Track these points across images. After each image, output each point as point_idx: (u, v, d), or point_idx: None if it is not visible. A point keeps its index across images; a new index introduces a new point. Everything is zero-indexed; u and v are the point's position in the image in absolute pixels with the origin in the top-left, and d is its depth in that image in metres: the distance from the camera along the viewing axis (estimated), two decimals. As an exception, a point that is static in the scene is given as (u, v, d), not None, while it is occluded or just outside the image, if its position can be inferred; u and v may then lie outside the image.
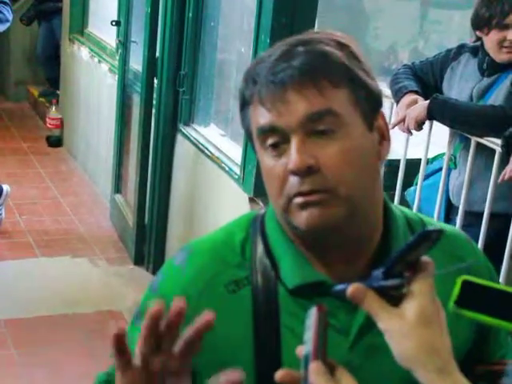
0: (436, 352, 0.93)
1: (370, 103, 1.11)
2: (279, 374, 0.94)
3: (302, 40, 1.11)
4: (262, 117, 1.09)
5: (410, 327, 0.93)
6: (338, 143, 1.06)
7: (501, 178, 2.75)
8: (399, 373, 0.95)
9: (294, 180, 1.07)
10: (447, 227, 1.31)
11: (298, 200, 1.07)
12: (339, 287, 0.99)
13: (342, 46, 1.11)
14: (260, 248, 1.18)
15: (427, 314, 0.94)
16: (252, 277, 1.16)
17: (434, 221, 1.32)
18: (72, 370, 3.43)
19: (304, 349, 0.94)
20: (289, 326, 1.13)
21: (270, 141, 1.09)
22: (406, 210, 1.27)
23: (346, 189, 1.07)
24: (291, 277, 1.14)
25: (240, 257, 1.18)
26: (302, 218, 1.08)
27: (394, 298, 0.95)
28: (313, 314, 0.95)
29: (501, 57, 2.95)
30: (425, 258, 0.96)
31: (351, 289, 0.95)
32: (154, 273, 4.34)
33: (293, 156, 1.06)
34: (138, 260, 4.48)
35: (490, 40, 2.96)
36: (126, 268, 4.46)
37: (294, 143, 1.06)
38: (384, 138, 1.15)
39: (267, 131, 1.09)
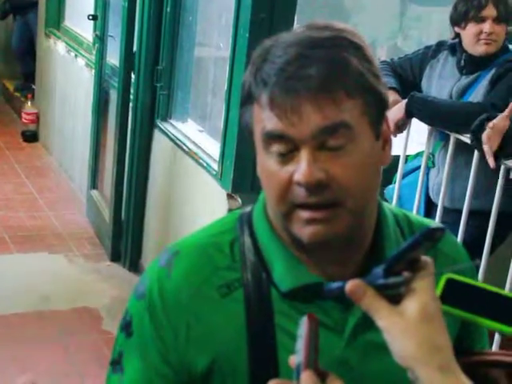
0: (438, 349, 0.91)
1: (377, 109, 1.07)
2: None
3: (314, 40, 1.03)
4: (270, 121, 1.03)
5: (411, 324, 0.91)
6: (348, 157, 1.03)
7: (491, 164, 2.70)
8: (397, 371, 0.94)
9: (300, 190, 1.03)
10: (431, 223, 1.29)
11: (304, 214, 1.04)
12: (334, 285, 0.98)
13: (355, 47, 1.05)
14: (249, 249, 1.14)
15: (428, 311, 0.92)
16: (243, 279, 1.13)
17: (419, 217, 1.30)
18: (46, 366, 3.39)
19: (296, 358, 0.93)
20: (284, 327, 1.11)
21: (276, 147, 1.04)
22: (391, 206, 1.25)
23: (353, 201, 1.04)
24: (284, 280, 1.11)
25: (230, 258, 1.14)
26: (305, 233, 1.05)
27: (392, 297, 0.93)
28: (304, 323, 0.93)
29: (478, 49, 2.99)
30: (424, 258, 0.95)
31: (350, 285, 0.93)
32: (130, 269, 4.32)
33: (302, 169, 1.01)
34: (115, 256, 4.45)
35: (467, 34, 3.00)
36: (102, 264, 4.42)
37: (305, 155, 1.02)
38: (386, 142, 1.12)
39: (275, 137, 1.04)
